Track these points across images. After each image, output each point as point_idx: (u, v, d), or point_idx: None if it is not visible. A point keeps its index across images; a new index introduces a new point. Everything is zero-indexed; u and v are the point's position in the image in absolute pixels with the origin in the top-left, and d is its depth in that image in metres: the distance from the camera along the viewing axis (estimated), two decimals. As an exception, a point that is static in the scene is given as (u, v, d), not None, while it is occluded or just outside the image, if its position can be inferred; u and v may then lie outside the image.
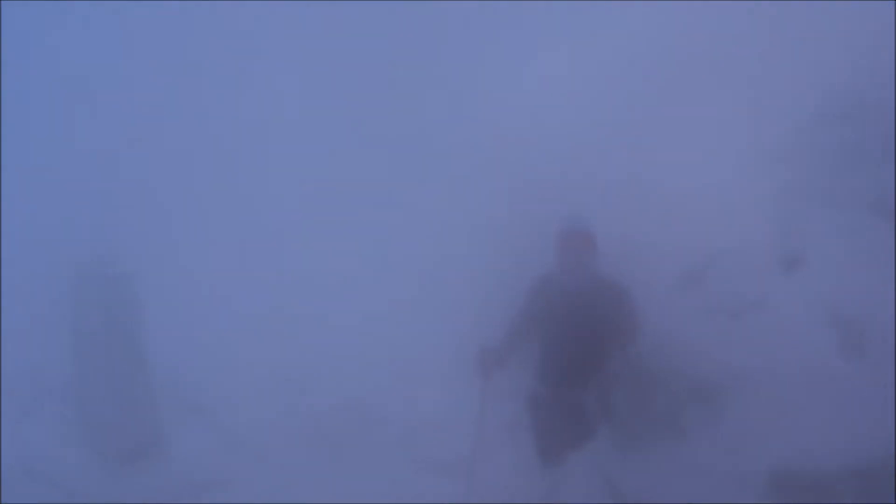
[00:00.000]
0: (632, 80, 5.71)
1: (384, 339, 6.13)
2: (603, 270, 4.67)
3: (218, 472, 5.32)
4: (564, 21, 6.69)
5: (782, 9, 5.38)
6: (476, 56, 7.08)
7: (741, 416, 4.30)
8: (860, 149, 4.94)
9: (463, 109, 6.71)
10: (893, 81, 5.16)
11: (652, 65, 5.66)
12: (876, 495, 3.93)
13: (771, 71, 5.38)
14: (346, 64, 7.69)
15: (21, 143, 7.91)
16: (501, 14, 7.40)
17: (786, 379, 4.22)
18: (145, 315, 5.64)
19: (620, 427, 4.77)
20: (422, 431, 5.83)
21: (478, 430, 4.73)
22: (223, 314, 6.29)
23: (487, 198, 5.95)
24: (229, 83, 8.15)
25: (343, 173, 7.09)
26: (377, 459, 5.55)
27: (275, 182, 7.44)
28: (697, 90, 5.34)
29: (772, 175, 5.06)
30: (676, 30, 5.80)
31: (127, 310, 5.50)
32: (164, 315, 5.71)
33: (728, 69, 5.38)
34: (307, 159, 7.30)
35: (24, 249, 6.71)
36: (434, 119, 6.84)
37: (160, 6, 8.28)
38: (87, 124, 7.71)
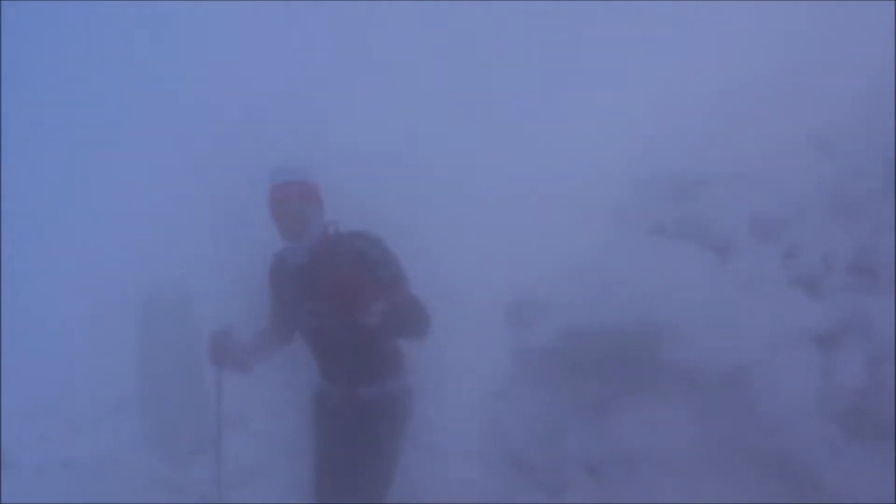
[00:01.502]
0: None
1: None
2: (340, 227, 3.91)
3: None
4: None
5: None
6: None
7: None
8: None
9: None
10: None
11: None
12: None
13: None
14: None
15: (88, 168, 8.03)
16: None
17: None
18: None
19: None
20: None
21: (216, 422, 4.23)
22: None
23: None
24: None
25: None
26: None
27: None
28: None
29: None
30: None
31: (187, 330, 6.20)
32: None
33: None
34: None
35: (96, 272, 7.66)
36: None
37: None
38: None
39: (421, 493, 4.45)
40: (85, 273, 7.98)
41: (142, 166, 8.04)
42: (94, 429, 6.61)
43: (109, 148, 8.76)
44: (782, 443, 4.83)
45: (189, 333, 6.24)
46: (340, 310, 3.63)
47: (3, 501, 5.41)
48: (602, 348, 4.62)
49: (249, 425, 6.15)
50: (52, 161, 9.19)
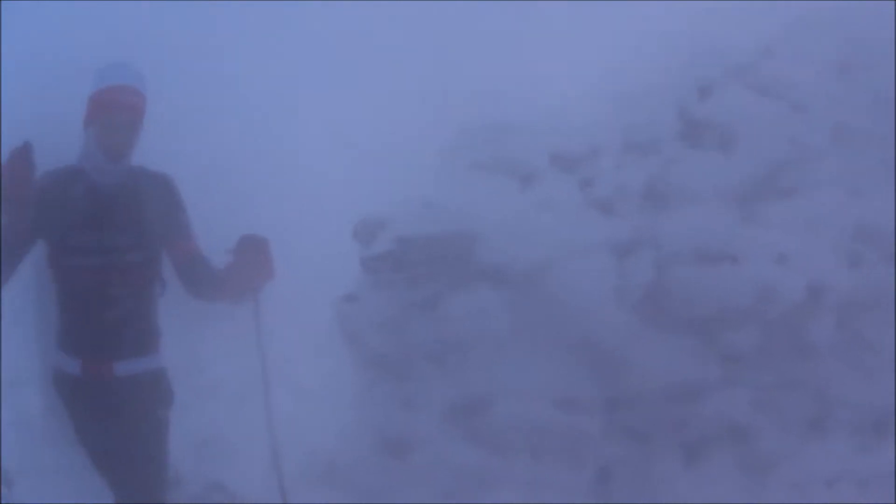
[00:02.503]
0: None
1: None
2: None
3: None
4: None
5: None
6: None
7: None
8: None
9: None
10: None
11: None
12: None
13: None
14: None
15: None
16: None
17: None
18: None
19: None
20: None
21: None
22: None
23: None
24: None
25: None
26: None
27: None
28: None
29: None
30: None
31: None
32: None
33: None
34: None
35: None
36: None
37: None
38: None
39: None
40: None
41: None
42: None
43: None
44: (586, 330, 5.98)
45: None
46: (144, 244, 3.44)
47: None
48: (431, 253, 5.91)
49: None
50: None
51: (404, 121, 6.01)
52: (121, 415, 3.44)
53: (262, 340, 4.09)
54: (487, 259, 5.91)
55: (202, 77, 5.25)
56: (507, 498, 6.01)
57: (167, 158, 4.08)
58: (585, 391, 6.02)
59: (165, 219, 3.62)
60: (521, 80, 6.13)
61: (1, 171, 3.14)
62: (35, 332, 5.00)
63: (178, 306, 4.17)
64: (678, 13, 6.35)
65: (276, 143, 5.69)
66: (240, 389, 5.47)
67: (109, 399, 3.45)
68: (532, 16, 6.23)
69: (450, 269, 5.90)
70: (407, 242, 5.89)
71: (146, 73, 3.78)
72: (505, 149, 6.10)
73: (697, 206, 6.11)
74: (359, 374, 6.05)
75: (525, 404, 5.97)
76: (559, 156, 6.14)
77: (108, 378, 3.45)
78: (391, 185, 5.97)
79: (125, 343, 3.52)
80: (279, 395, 4.68)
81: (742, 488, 6.27)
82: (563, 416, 6.02)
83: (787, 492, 6.35)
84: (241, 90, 5.41)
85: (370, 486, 5.97)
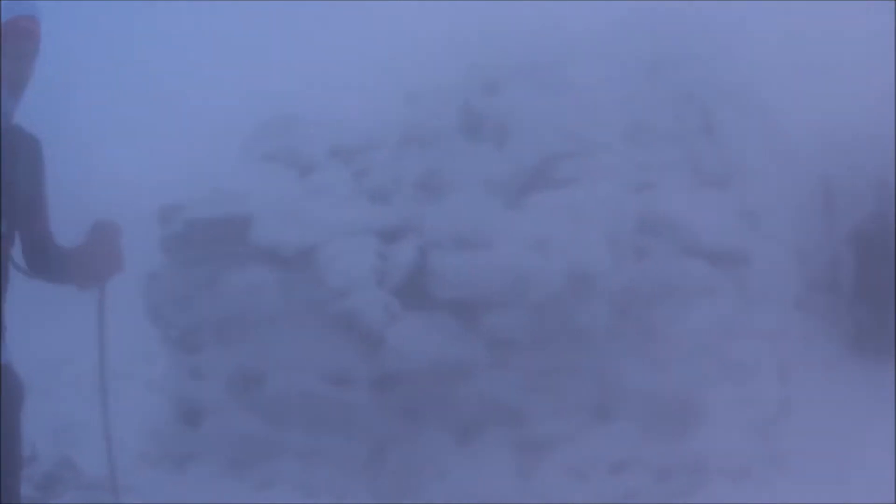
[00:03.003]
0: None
1: None
2: None
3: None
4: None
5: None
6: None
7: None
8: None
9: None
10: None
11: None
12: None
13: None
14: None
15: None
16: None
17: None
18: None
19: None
20: None
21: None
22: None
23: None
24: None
25: None
26: None
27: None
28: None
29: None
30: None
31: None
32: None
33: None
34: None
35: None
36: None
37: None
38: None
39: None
40: None
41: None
42: None
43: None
44: (350, 309, 6.43)
45: None
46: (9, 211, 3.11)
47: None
48: (212, 235, 6.57)
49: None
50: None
51: (208, 116, 6.71)
52: None
53: (104, 332, 3.90)
54: (262, 240, 6.48)
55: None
56: (286, 468, 6.49)
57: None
58: (354, 368, 6.44)
59: (32, 187, 3.27)
60: (314, 79, 6.70)
61: None
62: None
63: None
64: (472, 13, 6.76)
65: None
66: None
67: None
68: (326, 17, 6.80)
69: (228, 250, 6.50)
70: (193, 225, 6.55)
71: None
72: (291, 141, 6.67)
73: (465, 196, 6.43)
74: (161, 348, 6.74)
75: (298, 379, 6.47)
76: (339, 148, 6.64)
77: None
78: (189, 173, 6.68)
79: None
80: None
81: (515, 469, 6.47)
82: (334, 392, 6.46)
83: (564, 475, 6.49)
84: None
85: (172, 455, 6.61)
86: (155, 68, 6.66)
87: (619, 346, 6.59)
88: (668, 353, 6.67)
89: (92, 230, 3.47)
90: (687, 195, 6.79)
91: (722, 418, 6.85)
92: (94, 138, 6.21)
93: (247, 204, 6.46)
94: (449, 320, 6.39)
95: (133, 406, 6.45)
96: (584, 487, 6.50)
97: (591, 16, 6.98)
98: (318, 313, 6.46)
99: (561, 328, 6.44)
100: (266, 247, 6.45)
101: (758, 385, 7.07)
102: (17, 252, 3.31)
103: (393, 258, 6.41)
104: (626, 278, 6.58)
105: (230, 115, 6.63)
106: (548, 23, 6.86)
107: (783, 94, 7.95)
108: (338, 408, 6.46)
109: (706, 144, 6.90)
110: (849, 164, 8.27)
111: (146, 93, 6.50)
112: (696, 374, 6.81)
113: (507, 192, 6.45)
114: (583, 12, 6.97)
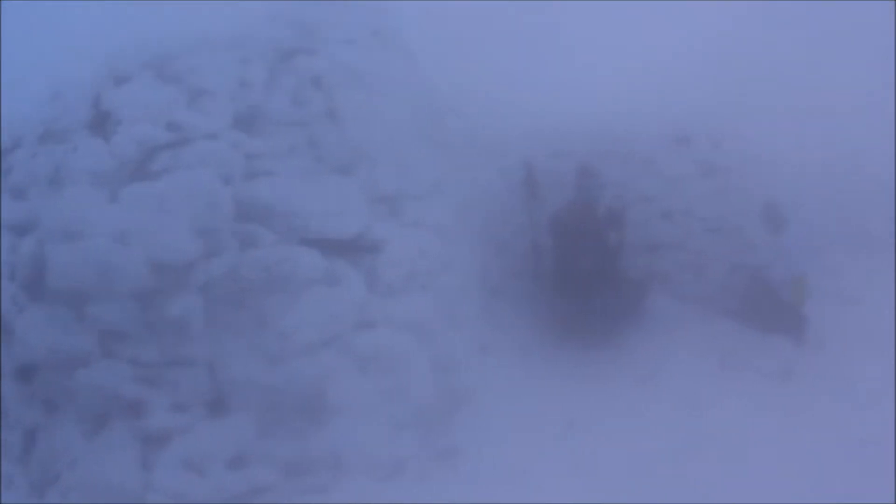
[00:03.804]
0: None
1: None
2: None
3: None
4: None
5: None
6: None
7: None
8: None
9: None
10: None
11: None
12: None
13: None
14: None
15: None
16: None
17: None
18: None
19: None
20: None
21: None
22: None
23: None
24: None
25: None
26: None
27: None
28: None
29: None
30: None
31: None
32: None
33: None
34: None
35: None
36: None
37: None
38: None
39: None
40: None
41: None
42: None
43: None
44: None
45: None
46: None
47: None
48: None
49: None
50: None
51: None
52: None
53: None
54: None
55: None
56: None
57: None
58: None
59: None
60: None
61: None
62: None
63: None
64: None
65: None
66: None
67: None
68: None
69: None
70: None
71: None
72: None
73: (79, 189, 6.52)
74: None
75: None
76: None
77: None
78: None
79: None
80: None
81: (140, 462, 6.46)
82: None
83: (183, 469, 6.40)
84: None
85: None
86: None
87: (227, 338, 6.36)
88: (284, 345, 6.33)
89: None
90: (307, 183, 6.43)
91: (362, 412, 6.40)
92: None
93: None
94: (64, 311, 6.48)
95: None
96: (203, 482, 6.35)
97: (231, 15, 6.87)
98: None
99: (159, 319, 6.33)
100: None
101: (405, 377, 6.50)
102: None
103: (20, 251, 6.61)
104: (225, 269, 6.33)
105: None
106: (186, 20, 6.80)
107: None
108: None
109: (330, 130, 6.51)
110: (552, 151, 7.58)
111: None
112: (322, 366, 6.43)
113: (111, 184, 6.44)
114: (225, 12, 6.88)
